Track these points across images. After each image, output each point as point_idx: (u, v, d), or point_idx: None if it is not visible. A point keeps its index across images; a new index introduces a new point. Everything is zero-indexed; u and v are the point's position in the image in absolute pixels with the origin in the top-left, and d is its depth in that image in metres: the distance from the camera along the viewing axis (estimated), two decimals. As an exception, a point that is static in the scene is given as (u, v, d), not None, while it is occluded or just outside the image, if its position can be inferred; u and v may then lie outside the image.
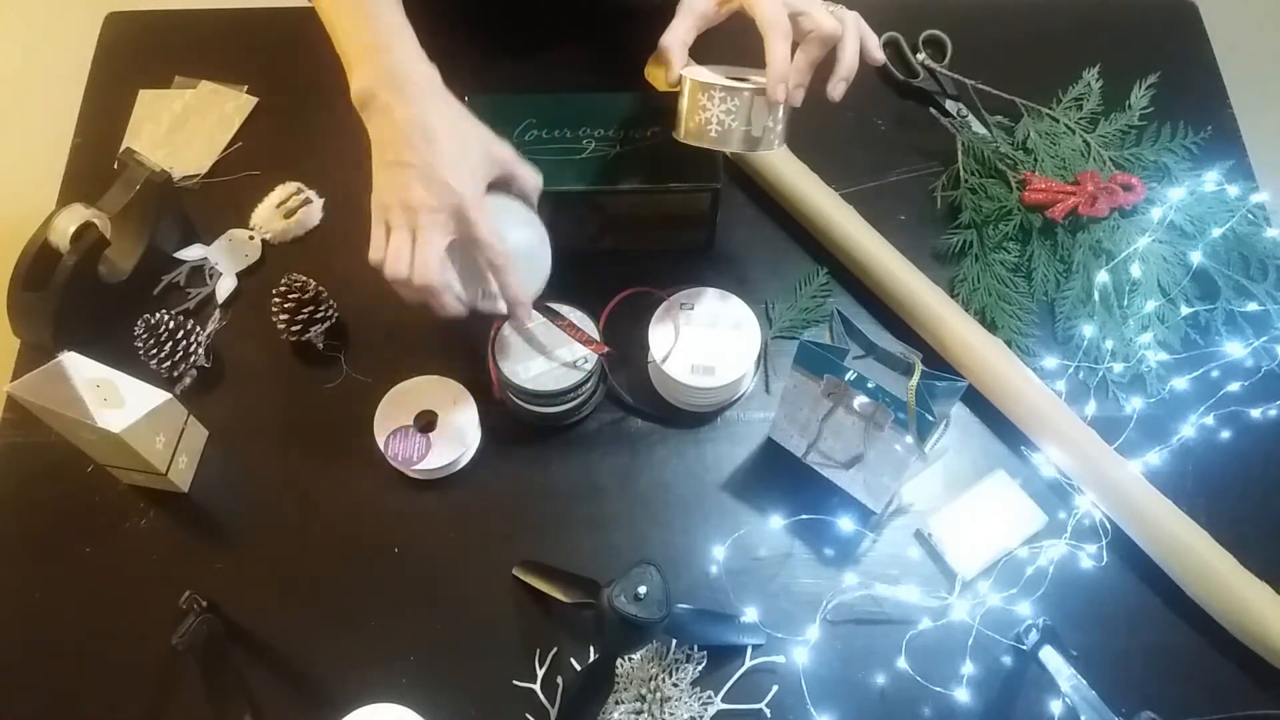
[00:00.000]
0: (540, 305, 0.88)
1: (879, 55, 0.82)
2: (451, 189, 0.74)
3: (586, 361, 0.86)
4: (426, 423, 0.88)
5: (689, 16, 0.81)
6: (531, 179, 0.82)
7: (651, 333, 0.88)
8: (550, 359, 0.86)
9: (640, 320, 0.90)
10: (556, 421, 0.90)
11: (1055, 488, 0.88)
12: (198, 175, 1.02)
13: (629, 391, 0.92)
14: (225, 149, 1.03)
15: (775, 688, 0.81)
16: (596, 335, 0.87)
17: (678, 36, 0.80)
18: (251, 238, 0.98)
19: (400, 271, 0.74)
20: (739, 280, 0.93)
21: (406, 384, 0.89)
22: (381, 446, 0.86)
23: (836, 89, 0.79)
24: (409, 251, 0.74)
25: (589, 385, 0.88)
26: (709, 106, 0.80)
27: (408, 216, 0.74)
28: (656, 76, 1.04)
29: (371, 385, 0.90)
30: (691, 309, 0.89)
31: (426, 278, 0.74)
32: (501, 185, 0.80)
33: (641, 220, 0.95)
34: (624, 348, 0.90)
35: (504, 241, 0.77)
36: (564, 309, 0.88)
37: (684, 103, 0.82)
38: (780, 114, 0.81)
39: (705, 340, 0.88)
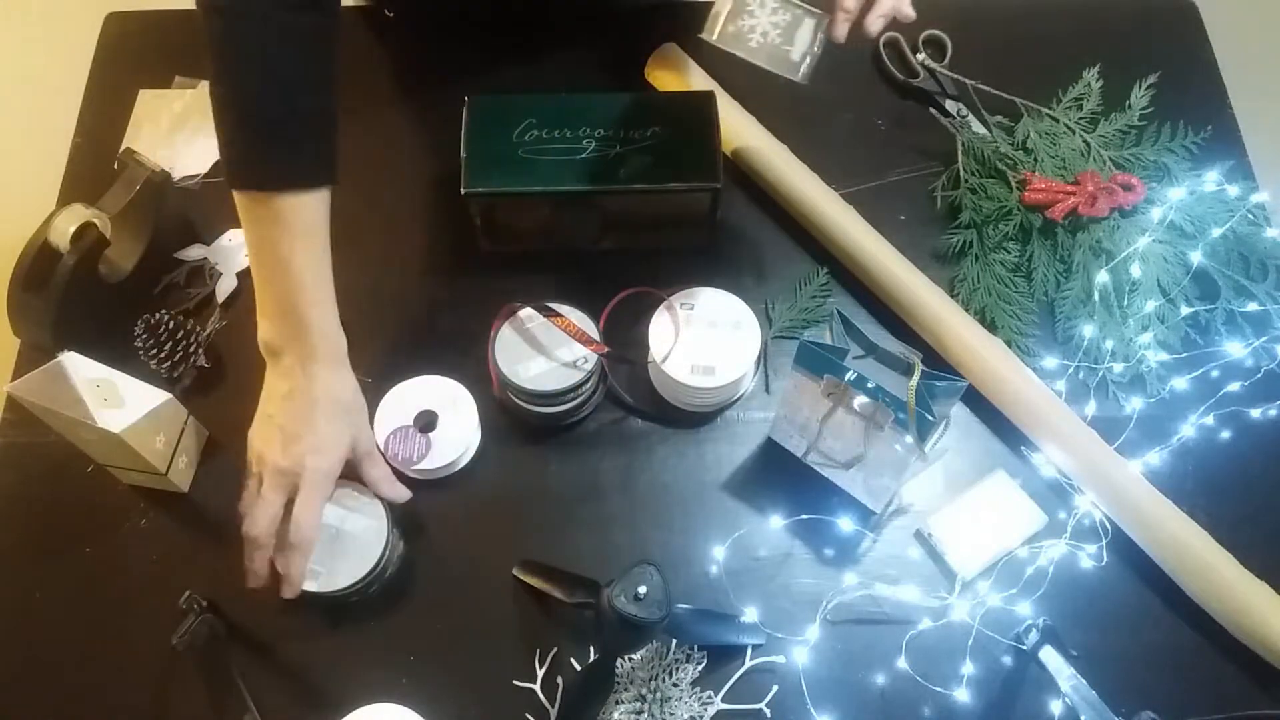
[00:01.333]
0: (540, 305, 0.88)
1: (909, 11, 0.79)
2: (302, 462, 0.75)
3: (586, 361, 0.86)
4: (426, 423, 0.88)
5: None
6: (382, 487, 0.82)
7: (651, 333, 0.88)
8: (550, 359, 0.86)
9: (640, 320, 0.90)
10: (556, 421, 0.90)
11: (1055, 488, 0.88)
12: (198, 175, 1.02)
13: (629, 391, 0.92)
14: (225, 149, 1.03)
15: (775, 688, 0.81)
16: (596, 335, 0.87)
17: None
18: (251, 238, 0.98)
19: (242, 510, 0.77)
20: (739, 280, 0.93)
21: (406, 384, 0.89)
22: (381, 446, 0.86)
23: (875, 24, 0.77)
24: (254, 497, 0.76)
25: (589, 385, 0.88)
26: (757, 14, 0.79)
27: (260, 467, 0.77)
28: (656, 77, 1.04)
29: (372, 385, 0.90)
30: (691, 309, 0.89)
31: (251, 530, 0.75)
32: (350, 473, 0.81)
33: (641, 220, 0.95)
34: (624, 348, 0.90)
35: (322, 524, 0.78)
36: (564, 309, 0.88)
37: (728, 5, 0.80)
38: (819, 45, 0.79)
39: (705, 340, 0.88)
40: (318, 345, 0.78)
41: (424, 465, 0.86)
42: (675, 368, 0.87)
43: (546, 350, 0.87)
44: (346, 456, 0.79)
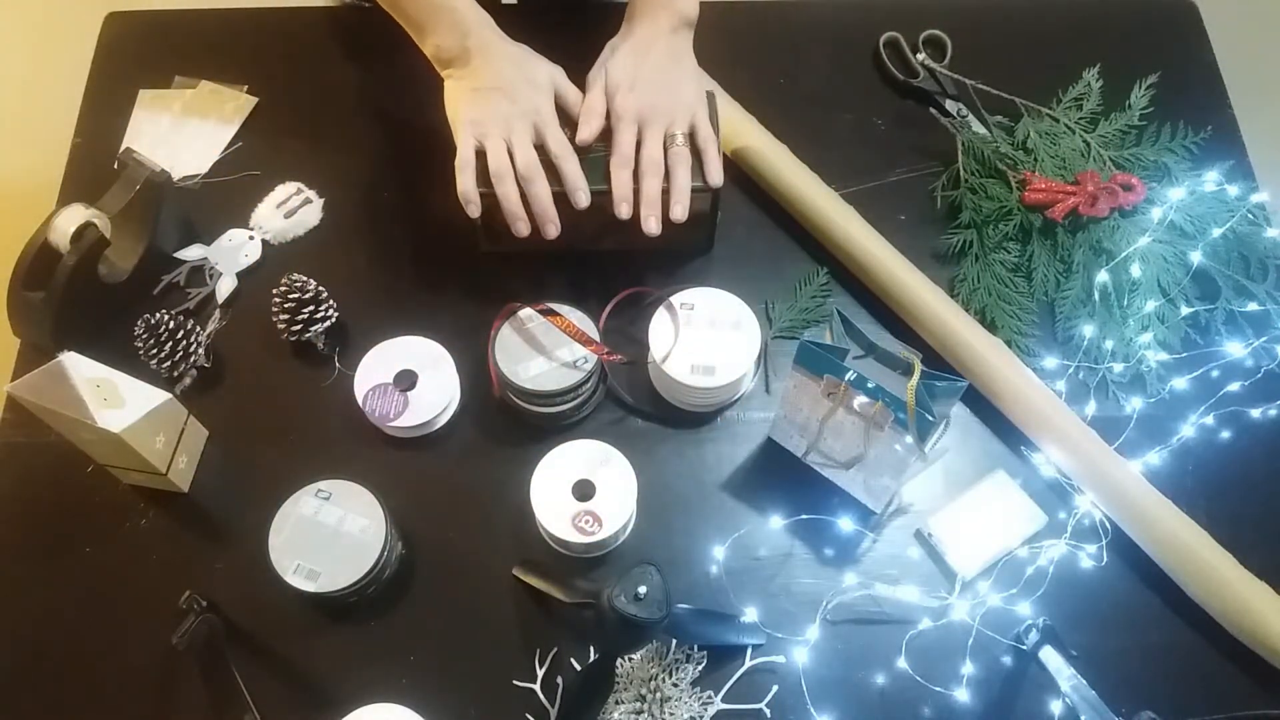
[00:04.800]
0: (540, 305, 0.88)
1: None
2: (534, 101, 0.88)
3: (586, 361, 0.86)
4: (408, 383, 0.89)
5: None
6: (574, 96, 0.92)
7: (651, 333, 0.88)
8: (550, 359, 0.86)
9: (640, 320, 0.90)
10: (557, 421, 0.90)
11: (1055, 488, 0.88)
12: (198, 175, 1.02)
13: (629, 391, 0.92)
14: (225, 149, 1.03)
15: (775, 688, 0.81)
16: (596, 336, 0.87)
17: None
18: (251, 238, 0.98)
19: (504, 167, 0.86)
20: (739, 280, 0.93)
21: (388, 343, 0.90)
22: (360, 403, 0.87)
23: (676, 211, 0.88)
24: (504, 154, 0.87)
25: (589, 385, 0.88)
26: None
27: (504, 128, 0.87)
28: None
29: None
30: (691, 309, 0.89)
31: (530, 170, 0.86)
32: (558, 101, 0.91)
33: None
34: (624, 347, 0.90)
35: (321, 523, 0.82)
36: (564, 309, 0.88)
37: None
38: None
39: (705, 340, 0.88)
40: (469, 18, 0.89)
41: (400, 422, 0.87)
42: (675, 368, 0.87)
43: (546, 350, 0.87)
44: (550, 87, 0.90)
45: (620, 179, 0.87)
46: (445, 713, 0.79)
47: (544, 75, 0.90)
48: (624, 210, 0.87)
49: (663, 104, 0.88)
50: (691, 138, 0.89)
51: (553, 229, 0.87)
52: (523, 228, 0.87)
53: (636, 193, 0.87)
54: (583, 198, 0.87)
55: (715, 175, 0.89)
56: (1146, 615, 0.83)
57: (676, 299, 0.90)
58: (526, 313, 0.88)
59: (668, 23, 0.91)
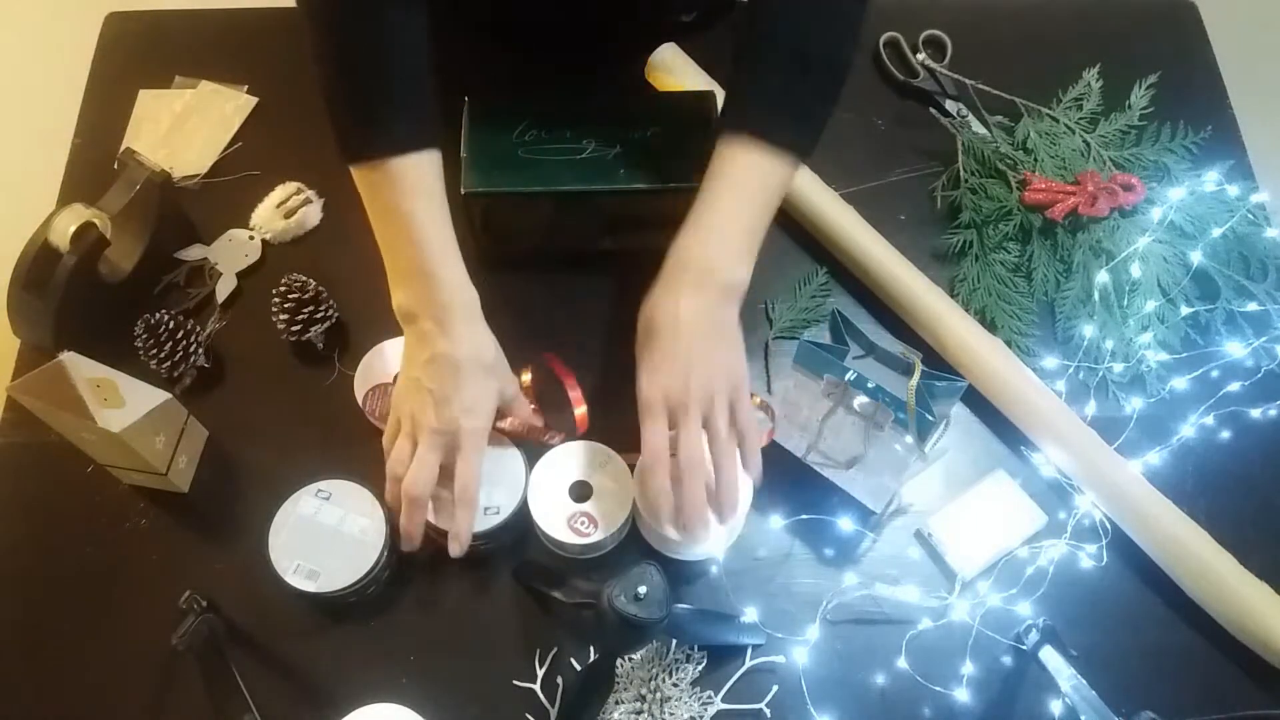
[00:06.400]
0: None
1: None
2: (457, 423, 0.77)
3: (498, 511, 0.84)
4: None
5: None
6: (523, 412, 0.85)
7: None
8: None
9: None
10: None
11: (1055, 488, 0.88)
12: (198, 175, 1.02)
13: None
14: (225, 149, 1.03)
15: (775, 688, 0.81)
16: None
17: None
18: (251, 238, 0.98)
19: (396, 472, 0.79)
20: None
21: (388, 344, 0.90)
22: (360, 402, 0.87)
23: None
24: (408, 459, 0.78)
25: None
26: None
27: (415, 430, 0.78)
28: (656, 77, 1.04)
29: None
30: None
31: (412, 490, 0.77)
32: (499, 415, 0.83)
33: (641, 220, 0.95)
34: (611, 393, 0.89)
35: (321, 523, 0.81)
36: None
37: None
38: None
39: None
40: (451, 303, 0.78)
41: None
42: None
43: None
44: (495, 410, 0.81)
45: (653, 486, 0.76)
46: (445, 713, 0.79)
47: (485, 392, 0.79)
48: (672, 528, 0.78)
49: (697, 387, 0.76)
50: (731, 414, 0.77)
51: (408, 546, 0.78)
52: (404, 545, 0.79)
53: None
54: (456, 550, 0.78)
55: (754, 470, 0.78)
56: (1146, 615, 0.83)
57: None
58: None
59: (713, 291, 0.78)
